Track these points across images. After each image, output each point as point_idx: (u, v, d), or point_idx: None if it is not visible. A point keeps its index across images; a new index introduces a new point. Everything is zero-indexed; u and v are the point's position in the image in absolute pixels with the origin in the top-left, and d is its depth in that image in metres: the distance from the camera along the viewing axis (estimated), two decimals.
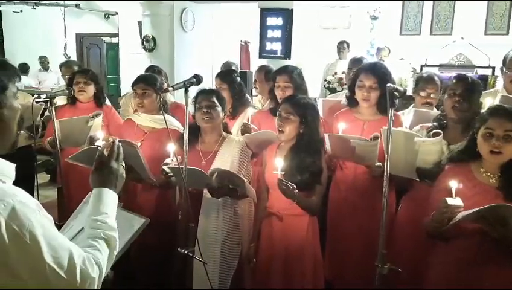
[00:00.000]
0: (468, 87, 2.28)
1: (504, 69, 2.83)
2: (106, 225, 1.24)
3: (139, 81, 2.74)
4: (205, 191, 2.38)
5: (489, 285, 1.78)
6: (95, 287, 1.15)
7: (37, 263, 1.05)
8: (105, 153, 1.39)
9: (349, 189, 2.68)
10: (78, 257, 1.11)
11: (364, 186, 2.59)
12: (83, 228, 1.26)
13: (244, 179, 2.30)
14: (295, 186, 2.11)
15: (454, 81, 2.37)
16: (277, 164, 2.11)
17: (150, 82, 2.73)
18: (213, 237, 2.41)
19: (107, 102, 3.42)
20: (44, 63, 8.42)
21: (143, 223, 1.47)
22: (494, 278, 1.78)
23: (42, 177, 5.60)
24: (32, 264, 1.04)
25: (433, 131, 2.28)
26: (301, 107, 2.29)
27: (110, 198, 1.31)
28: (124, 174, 1.39)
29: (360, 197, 2.61)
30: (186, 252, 2.03)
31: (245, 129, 2.85)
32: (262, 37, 6.29)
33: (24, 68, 8.13)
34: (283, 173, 2.11)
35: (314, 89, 6.57)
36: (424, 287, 2.03)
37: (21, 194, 1.07)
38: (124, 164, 1.39)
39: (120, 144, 1.41)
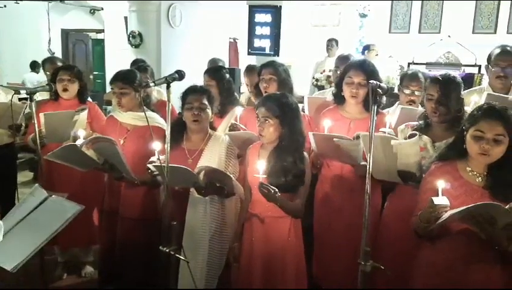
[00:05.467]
0: (444, 91, 2.20)
1: (489, 66, 2.83)
2: None
3: (117, 79, 2.67)
4: (192, 189, 2.34)
5: (477, 285, 1.77)
6: None
7: None
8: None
9: (335, 187, 2.67)
10: None
11: (350, 184, 2.58)
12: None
13: (231, 176, 2.27)
14: (277, 190, 2.05)
15: (428, 84, 2.32)
16: (258, 166, 2.04)
17: (128, 80, 2.65)
18: (200, 235, 2.38)
19: (89, 99, 3.35)
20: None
21: (76, 211, 1.52)
22: (481, 278, 1.77)
23: (26, 175, 5.51)
24: None
25: (409, 133, 2.26)
26: (278, 108, 2.21)
27: None
28: None
29: (347, 195, 2.59)
30: (168, 250, 1.99)
31: (233, 130, 2.80)
32: (251, 34, 6.27)
33: (34, 66, 8.03)
34: (264, 176, 2.06)
35: (303, 87, 6.57)
36: (411, 286, 2.01)
37: None
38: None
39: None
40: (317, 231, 2.76)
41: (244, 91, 3.95)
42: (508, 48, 2.81)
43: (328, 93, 3.34)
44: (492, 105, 1.81)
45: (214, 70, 3.28)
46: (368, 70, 2.53)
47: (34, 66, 8.09)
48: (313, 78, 6.19)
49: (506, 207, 1.56)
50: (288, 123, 2.22)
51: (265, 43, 6.26)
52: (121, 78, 2.67)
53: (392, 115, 2.68)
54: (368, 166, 1.76)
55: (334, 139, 2.30)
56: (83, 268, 3.37)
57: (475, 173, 1.83)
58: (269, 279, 2.27)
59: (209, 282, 2.40)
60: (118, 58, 7.29)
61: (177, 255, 1.98)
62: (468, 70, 5.26)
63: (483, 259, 1.76)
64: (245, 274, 2.34)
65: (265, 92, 2.82)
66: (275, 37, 6.16)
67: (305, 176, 2.24)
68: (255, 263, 2.29)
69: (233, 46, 8.04)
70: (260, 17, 6.21)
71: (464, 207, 1.60)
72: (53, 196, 1.60)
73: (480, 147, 1.74)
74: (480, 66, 5.06)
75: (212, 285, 2.41)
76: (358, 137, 2.28)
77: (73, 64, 3.72)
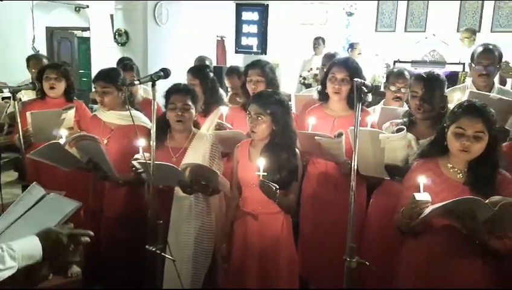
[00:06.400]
0: (427, 88, 2.23)
1: (473, 64, 2.87)
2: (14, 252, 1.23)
3: (99, 78, 2.65)
4: (176, 188, 2.33)
5: (458, 279, 1.80)
6: None
7: None
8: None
9: (321, 184, 2.69)
10: None
11: (336, 181, 2.60)
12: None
13: (217, 172, 2.27)
14: (277, 187, 2.08)
15: (412, 82, 2.35)
16: (259, 164, 2.06)
17: (110, 79, 2.63)
18: (186, 234, 2.37)
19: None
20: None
21: (75, 207, 1.52)
22: (462, 272, 1.81)
23: (10, 175, 5.42)
24: None
25: (397, 127, 2.29)
26: (270, 105, 2.24)
27: (31, 245, 1.28)
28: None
29: (333, 192, 2.62)
30: (154, 249, 1.98)
31: (219, 129, 2.79)
32: (238, 32, 6.26)
33: None
34: (265, 173, 2.07)
35: (291, 85, 6.59)
36: (395, 281, 2.04)
37: None
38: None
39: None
40: (304, 227, 2.77)
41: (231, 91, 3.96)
42: (491, 47, 2.85)
43: (315, 91, 3.35)
44: (472, 102, 1.84)
45: (197, 69, 3.25)
46: (351, 67, 2.56)
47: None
48: (300, 76, 6.22)
49: (486, 202, 1.59)
50: (281, 120, 2.24)
51: (253, 42, 6.25)
52: (103, 76, 2.65)
53: (373, 114, 2.72)
54: (353, 163, 1.78)
55: (316, 137, 2.32)
56: (70, 268, 3.34)
57: (456, 169, 1.85)
58: (264, 275, 2.28)
59: (195, 281, 2.39)
60: (104, 56, 7.21)
61: (163, 254, 1.97)
62: (453, 68, 5.32)
63: (464, 253, 1.79)
64: (237, 273, 2.33)
65: (253, 93, 2.83)
66: (262, 36, 6.15)
67: (298, 171, 2.28)
68: (249, 261, 2.29)
69: (220, 44, 8.01)
70: (247, 15, 6.20)
71: (445, 202, 1.63)
72: (51, 193, 1.59)
73: (461, 144, 1.77)
74: (464, 64, 5.12)
75: (198, 284, 2.41)
76: (339, 135, 2.31)
77: (60, 63, 3.67)
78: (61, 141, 2.35)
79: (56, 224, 1.42)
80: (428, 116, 2.28)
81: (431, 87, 2.24)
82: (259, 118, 2.22)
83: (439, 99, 2.26)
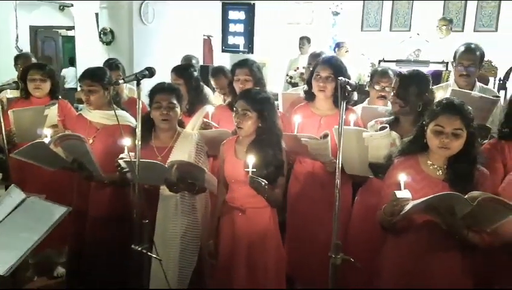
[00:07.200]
0: (401, 84, 2.32)
1: (455, 64, 2.91)
2: None
3: (85, 77, 2.63)
4: (162, 187, 2.33)
5: (439, 273, 1.84)
6: None
7: None
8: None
9: (307, 183, 2.71)
10: None
11: (323, 179, 2.62)
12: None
13: (204, 168, 2.28)
14: (266, 182, 2.12)
15: (395, 79, 2.44)
16: (248, 161, 2.09)
17: (97, 78, 2.61)
18: (172, 233, 2.37)
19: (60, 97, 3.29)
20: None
21: (64, 212, 1.47)
22: (443, 266, 1.84)
23: None
24: None
25: (380, 125, 2.32)
26: (257, 102, 2.27)
27: None
28: None
29: (320, 190, 2.64)
30: (140, 249, 1.98)
31: (206, 128, 2.79)
32: (225, 31, 6.24)
33: (72, 61, 7.83)
34: (254, 170, 2.10)
35: (278, 84, 6.61)
36: (378, 277, 2.07)
37: None
38: None
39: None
40: (290, 226, 2.79)
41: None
42: (473, 46, 2.89)
43: (301, 90, 3.38)
44: (450, 100, 1.88)
45: (181, 68, 3.23)
46: (335, 65, 2.60)
47: (72, 61, 7.85)
48: (287, 75, 6.24)
49: (465, 197, 1.63)
50: (267, 117, 2.27)
51: (240, 41, 6.24)
52: (90, 75, 2.63)
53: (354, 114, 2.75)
54: (337, 161, 1.81)
55: (302, 139, 2.34)
56: (55, 269, 3.32)
57: (435, 166, 1.89)
58: (251, 270, 2.29)
59: (181, 280, 2.39)
60: (89, 55, 7.13)
61: (149, 254, 1.97)
62: (437, 67, 5.40)
63: (444, 248, 1.83)
64: (225, 268, 2.35)
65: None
66: (249, 35, 6.15)
67: (284, 166, 2.31)
68: (238, 255, 2.31)
69: (207, 43, 7.99)
70: (233, 15, 6.19)
71: (425, 198, 1.66)
72: (31, 197, 1.57)
73: (440, 141, 1.81)
74: (447, 63, 5.21)
75: (185, 283, 2.41)
76: (325, 136, 2.34)
77: (45, 63, 3.63)
78: (46, 140, 2.33)
79: (46, 231, 1.41)
80: (405, 112, 2.33)
81: (405, 83, 2.32)
82: (246, 114, 2.25)
83: (414, 96, 2.30)
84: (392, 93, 2.43)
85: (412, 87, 2.30)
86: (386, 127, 2.26)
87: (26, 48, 8.24)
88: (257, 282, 2.29)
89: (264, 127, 2.27)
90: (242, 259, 2.30)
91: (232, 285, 2.30)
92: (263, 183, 2.10)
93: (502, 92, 5.11)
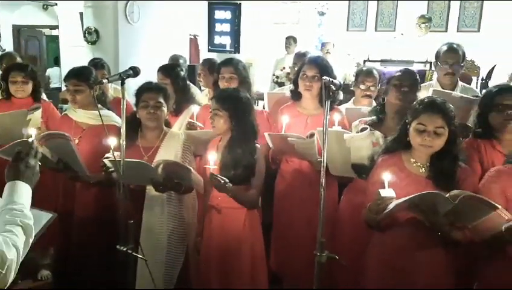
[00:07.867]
0: (410, 81, 2.40)
1: (438, 63, 2.95)
2: (22, 213, 1.28)
3: (71, 76, 2.61)
4: (148, 187, 2.32)
5: (423, 269, 1.87)
6: (13, 270, 1.19)
7: None
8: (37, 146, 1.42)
9: (294, 182, 2.72)
10: None
11: (309, 178, 2.63)
12: None
13: (191, 168, 2.27)
14: (227, 180, 2.12)
15: None
16: (209, 157, 2.13)
17: (83, 78, 2.60)
18: (158, 233, 2.36)
19: (44, 97, 3.25)
20: None
21: (50, 218, 1.53)
22: (427, 262, 1.88)
23: None
24: None
25: (361, 127, 2.35)
26: (227, 101, 2.28)
27: (25, 191, 1.35)
28: (39, 173, 1.45)
29: (305, 190, 2.64)
30: (126, 249, 1.97)
31: (191, 128, 2.78)
32: (211, 31, 6.23)
33: (57, 61, 7.69)
34: (215, 167, 2.13)
35: (264, 84, 6.62)
36: (364, 274, 2.09)
37: None
38: (39, 163, 1.45)
39: (36, 142, 1.42)
40: (277, 224, 2.80)
41: (205, 89, 3.91)
42: (455, 46, 2.93)
43: (287, 89, 3.39)
44: (432, 99, 1.92)
45: (168, 68, 3.21)
46: (321, 64, 2.62)
47: (57, 61, 7.77)
48: (273, 75, 6.25)
49: (446, 195, 1.66)
50: (237, 116, 2.27)
51: (226, 40, 6.24)
52: (76, 74, 2.61)
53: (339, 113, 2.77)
54: (322, 159, 1.82)
55: (289, 139, 2.36)
56: (39, 271, 3.27)
57: (418, 164, 1.92)
58: (226, 270, 2.30)
59: (168, 280, 2.39)
60: (74, 55, 7.05)
61: (134, 254, 1.97)
62: (420, 66, 5.47)
63: (428, 245, 1.87)
64: (204, 265, 2.37)
65: None
66: (235, 34, 6.15)
67: (256, 167, 2.28)
68: (213, 254, 2.32)
69: (193, 42, 7.96)
70: (220, 14, 6.18)
71: (408, 197, 1.69)
72: None
73: (422, 139, 1.84)
74: (431, 63, 5.28)
75: (171, 283, 2.41)
76: (312, 135, 2.35)
77: (26, 63, 3.57)
78: (30, 140, 2.29)
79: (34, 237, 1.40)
80: (404, 109, 2.39)
81: (413, 79, 2.43)
82: (217, 114, 2.28)
83: (414, 94, 2.37)
84: (394, 91, 2.45)
85: (416, 85, 2.40)
86: (366, 129, 2.29)
87: (9, 47, 8.12)
88: (231, 283, 2.29)
89: (236, 126, 2.28)
90: (218, 259, 2.32)
91: (210, 285, 2.32)
92: (222, 181, 2.11)
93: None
